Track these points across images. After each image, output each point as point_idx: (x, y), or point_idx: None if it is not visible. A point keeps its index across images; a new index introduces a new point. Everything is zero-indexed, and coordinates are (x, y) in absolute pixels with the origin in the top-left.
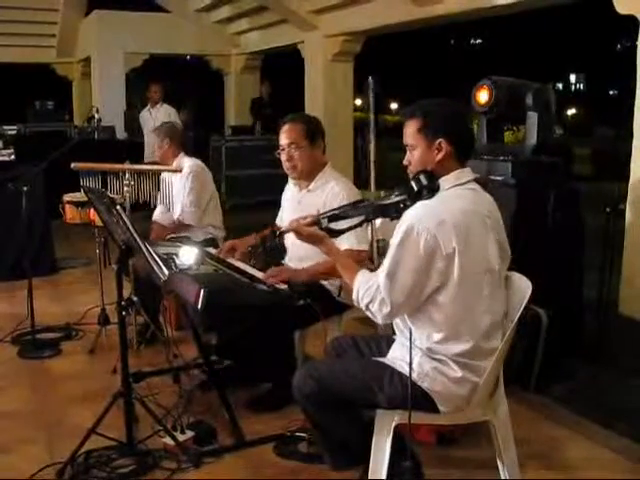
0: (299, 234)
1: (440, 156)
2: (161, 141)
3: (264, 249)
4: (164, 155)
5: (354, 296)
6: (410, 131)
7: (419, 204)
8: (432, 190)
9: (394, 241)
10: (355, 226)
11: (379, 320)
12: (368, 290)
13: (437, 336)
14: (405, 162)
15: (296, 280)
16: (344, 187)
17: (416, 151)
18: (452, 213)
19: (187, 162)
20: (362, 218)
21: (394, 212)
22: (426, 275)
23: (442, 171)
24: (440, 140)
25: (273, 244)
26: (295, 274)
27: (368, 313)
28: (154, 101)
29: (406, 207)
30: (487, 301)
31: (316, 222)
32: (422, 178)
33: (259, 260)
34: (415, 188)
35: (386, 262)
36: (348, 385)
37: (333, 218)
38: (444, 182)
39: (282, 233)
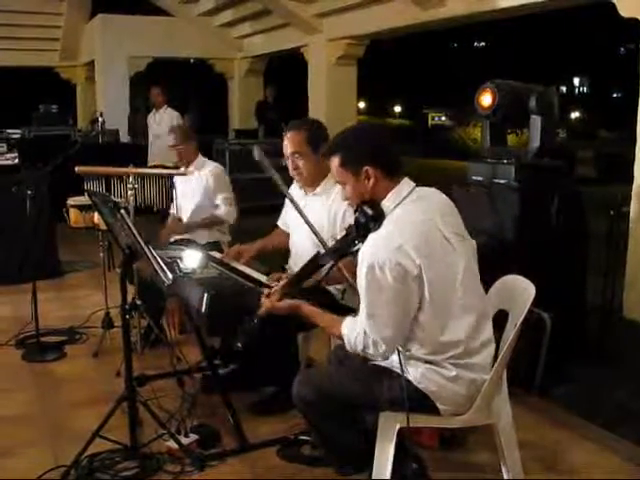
0: (277, 312)
1: (371, 182)
2: (187, 140)
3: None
4: (186, 154)
5: (347, 347)
6: (334, 169)
7: (370, 239)
8: (377, 217)
9: (361, 285)
10: (324, 277)
11: (381, 359)
12: (357, 338)
13: (424, 350)
14: (343, 199)
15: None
16: None
17: (348, 185)
18: (405, 235)
19: (209, 165)
20: (328, 267)
21: (351, 249)
22: (406, 300)
23: (380, 195)
24: (365, 168)
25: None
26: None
27: (368, 356)
28: (158, 104)
29: (360, 241)
30: (464, 301)
31: (287, 291)
32: (366, 209)
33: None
34: (362, 221)
35: (362, 305)
36: (348, 390)
37: (300, 281)
38: (386, 205)
39: (257, 317)
